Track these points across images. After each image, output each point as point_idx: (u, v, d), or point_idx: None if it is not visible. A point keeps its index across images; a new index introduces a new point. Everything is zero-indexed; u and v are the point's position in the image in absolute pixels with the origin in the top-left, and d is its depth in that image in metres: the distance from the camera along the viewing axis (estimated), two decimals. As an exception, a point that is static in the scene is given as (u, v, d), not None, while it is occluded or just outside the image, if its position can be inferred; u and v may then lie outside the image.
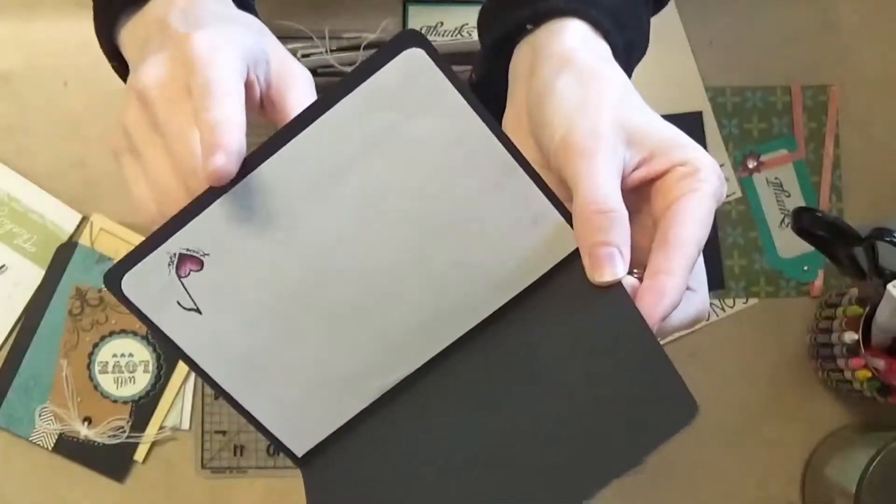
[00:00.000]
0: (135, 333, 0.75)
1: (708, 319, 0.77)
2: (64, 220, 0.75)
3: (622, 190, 0.42)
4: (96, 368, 0.74)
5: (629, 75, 0.50)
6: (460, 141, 0.41)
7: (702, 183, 0.42)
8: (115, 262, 0.41)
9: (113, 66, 0.50)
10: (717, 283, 0.77)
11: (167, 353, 0.75)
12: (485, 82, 0.51)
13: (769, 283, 0.78)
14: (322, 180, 0.40)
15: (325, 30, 0.70)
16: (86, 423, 0.74)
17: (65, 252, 0.74)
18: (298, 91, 0.46)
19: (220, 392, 0.44)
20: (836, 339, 0.71)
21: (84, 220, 0.75)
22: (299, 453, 0.46)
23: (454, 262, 0.43)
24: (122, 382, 0.74)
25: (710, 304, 0.76)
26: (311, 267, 0.42)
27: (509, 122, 0.48)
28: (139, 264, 0.41)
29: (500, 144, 0.41)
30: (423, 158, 0.41)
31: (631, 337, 0.40)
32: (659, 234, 0.41)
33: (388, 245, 0.42)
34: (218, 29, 0.43)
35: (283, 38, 0.74)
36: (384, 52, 0.39)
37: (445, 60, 0.39)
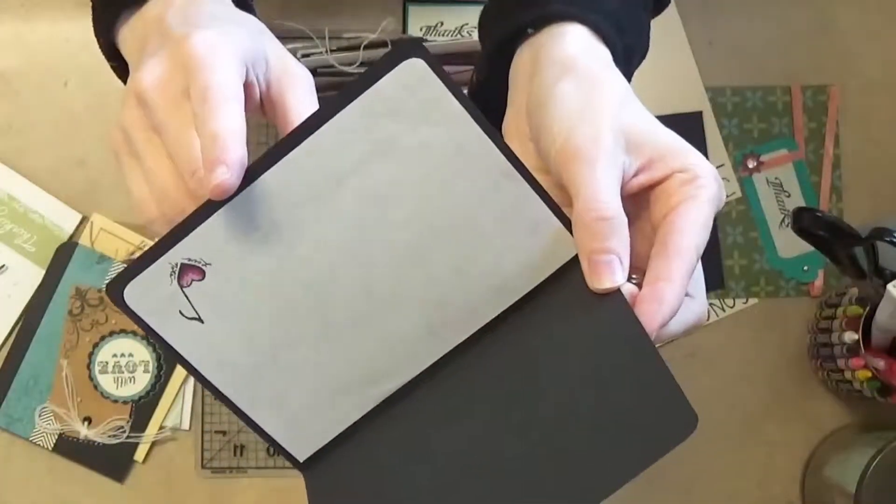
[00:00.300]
0: (134, 333, 0.75)
1: (708, 319, 0.77)
2: (64, 220, 0.75)
3: (621, 196, 0.42)
4: (96, 368, 0.74)
5: (629, 79, 0.50)
6: (460, 149, 0.41)
7: (700, 189, 0.42)
8: (118, 272, 0.41)
9: (112, 67, 0.50)
10: (717, 283, 0.78)
11: (169, 358, 0.75)
12: (487, 84, 0.51)
13: (769, 283, 0.78)
14: (323, 189, 0.41)
15: (325, 30, 0.70)
16: (86, 423, 0.74)
17: (65, 252, 0.74)
18: (298, 91, 0.46)
19: (221, 399, 0.44)
20: (836, 339, 0.71)
21: (84, 220, 0.75)
22: (301, 458, 0.46)
23: (454, 269, 0.43)
24: (122, 382, 0.74)
25: (710, 304, 0.77)
26: (313, 275, 0.42)
27: (509, 126, 0.48)
28: (142, 274, 0.41)
29: (499, 152, 0.41)
30: (423, 166, 0.41)
31: (630, 346, 0.40)
32: (658, 241, 0.41)
33: (389, 252, 0.42)
34: (216, 29, 0.43)
35: (283, 38, 0.74)
36: (385, 61, 0.39)
37: (445, 70, 0.40)
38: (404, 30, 0.78)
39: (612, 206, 0.40)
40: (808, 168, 0.78)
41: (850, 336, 0.70)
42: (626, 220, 0.41)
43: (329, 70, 0.70)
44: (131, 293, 0.41)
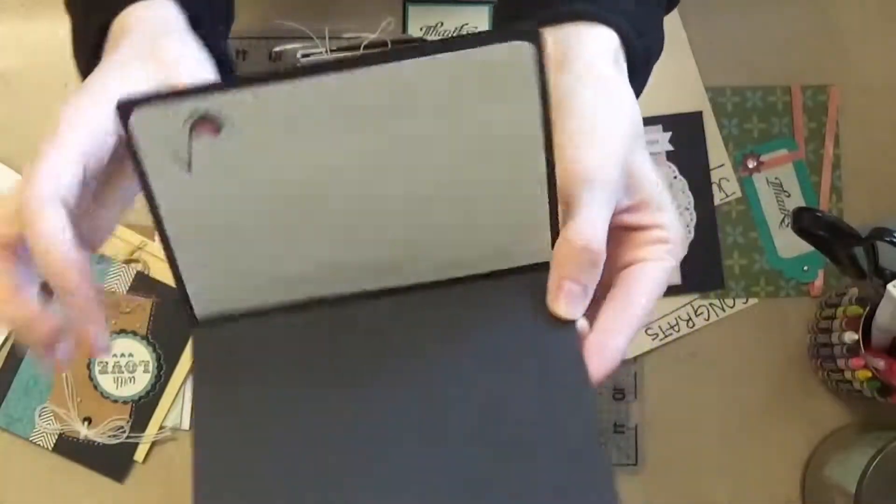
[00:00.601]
0: (135, 333, 0.75)
1: (708, 319, 0.77)
2: (64, 220, 0.75)
3: None
4: (96, 368, 0.74)
5: (647, 79, 0.51)
6: (508, 135, 0.41)
7: (668, 255, 0.44)
8: (139, 95, 0.39)
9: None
10: (717, 283, 0.78)
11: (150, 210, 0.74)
12: None
13: (769, 283, 0.78)
14: (371, 116, 0.40)
15: (325, 30, 0.70)
16: (86, 423, 0.74)
17: (65, 252, 0.74)
18: None
19: (161, 236, 0.42)
20: (836, 339, 0.71)
21: (84, 220, 0.75)
22: (199, 314, 0.44)
23: (439, 223, 0.43)
24: (122, 382, 0.74)
25: (711, 304, 0.77)
26: (313, 178, 0.41)
27: None
28: (160, 104, 0.39)
29: (543, 159, 0.41)
30: (472, 135, 0.41)
31: (568, 385, 0.41)
32: (616, 290, 0.43)
33: (391, 187, 0.42)
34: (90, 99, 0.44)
35: (283, 38, 0.74)
36: (500, 33, 0.39)
37: (545, 64, 0.40)
38: (404, 30, 0.78)
39: (601, 241, 0.41)
40: (808, 168, 0.78)
41: (850, 336, 0.70)
42: (605, 257, 0.42)
43: (329, 70, 0.70)
44: (139, 117, 0.39)
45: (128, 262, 0.75)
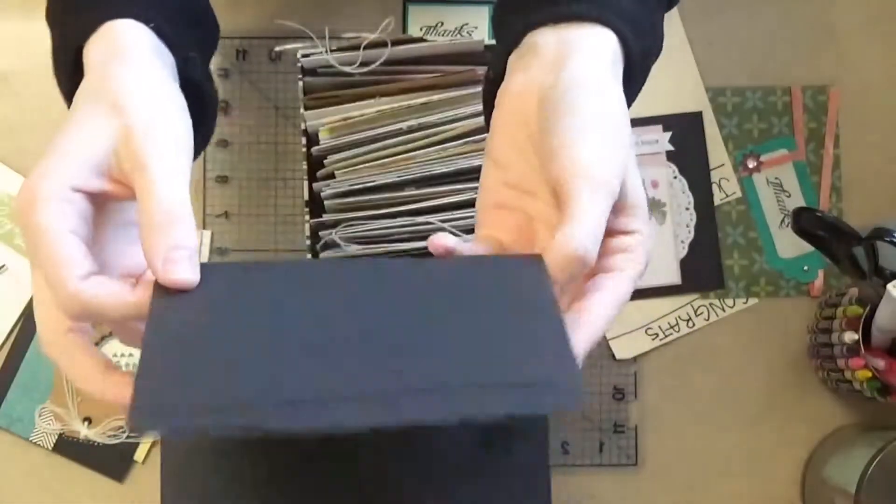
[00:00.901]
0: (135, 333, 0.75)
1: (708, 319, 0.77)
2: (64, 220, 0.75)
3: None
4: (96, 368, 0.74)
5: (644, 80, 0.51)
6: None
7: (634, 264, 0.44)
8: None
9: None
10: (717, 283, 0.78)
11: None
12: (500, 80, 0.50)
13: (769, 283, 0.78)
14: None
15: (326, 30, 0.70)
16: (86, 423, 0.74)
17: (65, 252, 0.74)
18: (153, 170, 0.43)
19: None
20: (836, 339, 0.71)
21: (84, 220, 0.75)
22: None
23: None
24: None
25: (710, 304, 0.77)
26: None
27: (513, 92, 0.48)
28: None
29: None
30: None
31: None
32: (583, 302, 0.44)
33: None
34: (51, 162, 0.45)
35: (283, 38, 0.74)
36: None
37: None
38: (404, 30, 0.78)
39: (596, 248, 0.42)
40: (808, 168, 0.78)
41: (850, 336, 0.70)
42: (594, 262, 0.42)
43: (329, 70, 0.70)
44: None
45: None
